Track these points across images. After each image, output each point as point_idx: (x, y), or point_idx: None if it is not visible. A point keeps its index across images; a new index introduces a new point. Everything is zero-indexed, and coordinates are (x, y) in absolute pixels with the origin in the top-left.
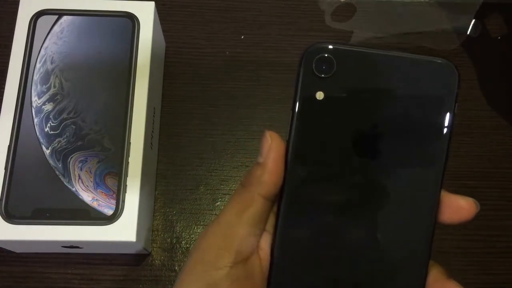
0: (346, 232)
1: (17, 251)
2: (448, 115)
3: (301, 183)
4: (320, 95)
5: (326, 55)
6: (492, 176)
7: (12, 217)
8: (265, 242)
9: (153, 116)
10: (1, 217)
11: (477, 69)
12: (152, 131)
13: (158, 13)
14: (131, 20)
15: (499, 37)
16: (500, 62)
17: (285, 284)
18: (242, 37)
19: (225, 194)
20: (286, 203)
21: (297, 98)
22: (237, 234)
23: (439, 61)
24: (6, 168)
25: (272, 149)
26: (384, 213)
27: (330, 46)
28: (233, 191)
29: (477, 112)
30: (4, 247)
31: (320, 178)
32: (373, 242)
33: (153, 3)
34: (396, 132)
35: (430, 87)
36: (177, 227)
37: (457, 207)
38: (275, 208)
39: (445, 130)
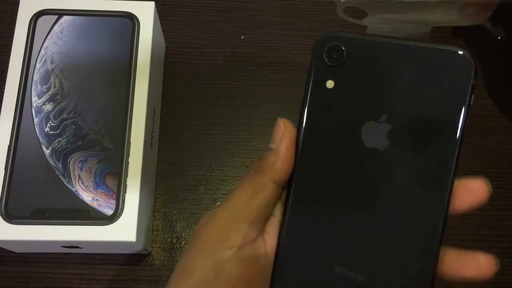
0: (355, 221)
1: (17, 251)
2: (462, 105)
3: (311, 171)
4: (330, 84)
5: (336, 43)
6: (492, 176)
7: (12, 217)
8: (271, 226)
9: (153, 116)
10: (1, 217)
11: (478, 68)
12: (152, 131)
13: (158, 13)
14: (131, 20)
15: (499, 37)
16: (500, 62)
17: (291, 271)
18: (242, 37)
19: (225, 194)
20: (295, 191)
21: (308, 87)
22: (247, 217)
23: (454, 49)
24: (6, 168)
25: (285, 136)
26: (394, 202)
27: (341, 35)
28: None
29: (477, 112)
30: (4, 247)
31: (330, 166)
32: (381, 232)
33: (153, 3)
34: (408, 121)
35: (444, 77)
36: (177, 227)
37: (467, 189)
38: (283, 196)
39: (459, 121)
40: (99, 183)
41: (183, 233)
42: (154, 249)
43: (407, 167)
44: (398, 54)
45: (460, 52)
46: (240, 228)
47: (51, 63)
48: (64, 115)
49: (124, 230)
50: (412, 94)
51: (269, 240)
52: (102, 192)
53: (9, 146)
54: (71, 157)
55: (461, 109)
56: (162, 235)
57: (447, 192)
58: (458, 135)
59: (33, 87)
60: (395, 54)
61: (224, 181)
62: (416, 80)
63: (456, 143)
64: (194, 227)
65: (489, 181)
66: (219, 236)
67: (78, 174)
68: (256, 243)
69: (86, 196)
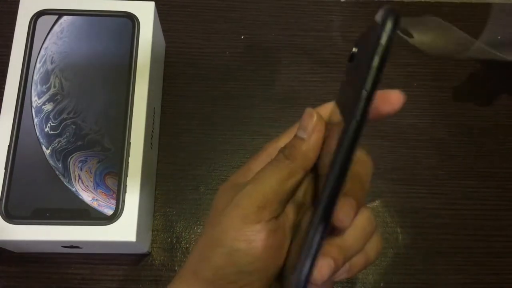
0: None
1: (17, 251)
2: None
3: None
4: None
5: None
6: (492, 176)
7: (12, 217)
8: (289, 207)
9: (153, 116)
10: (1, 217)
11: (477, 69)
12: (152, 131)
13: (158, 13)
14: (131, 20)
15: (499, 37)
16: (500, 62)
17: None
18: (242, 37)
19: None
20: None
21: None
22: (278, 198)
23: None
24: (6, 168)
25: (317, 128)
26: None
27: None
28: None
29: (477, 112)
30: (4, 247)
31: None
32: None
33: (153, 3)
34: None
35: None
36: (177, 227)
37: (385, 100)
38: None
39: None
40: (99, 183)
41: (183, 233)
42: (154, 249)
43: None
44: None
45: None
46: (271, 206)
47: (51, 63)
48: (64, 115)
49: (124, 230)
50: None
51: (290, 214)
52: (102, 192)
53: (9, 146)
54: (71, 157)
55: None
56: (162, 235)
57: None
58: None
59: (33, 87)
60: None
61: (224, 181)
62: None
63: None
64: (216, 195)
65: (489, 181)
66: (251, 211)
67: (78, 174)
68: (281, 217)
69: (86, 196)
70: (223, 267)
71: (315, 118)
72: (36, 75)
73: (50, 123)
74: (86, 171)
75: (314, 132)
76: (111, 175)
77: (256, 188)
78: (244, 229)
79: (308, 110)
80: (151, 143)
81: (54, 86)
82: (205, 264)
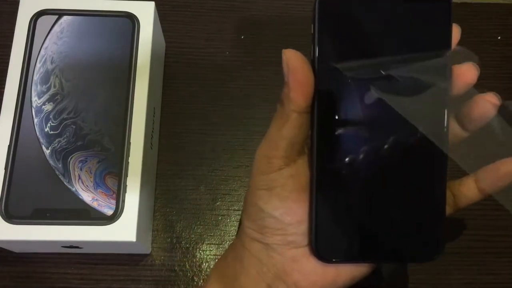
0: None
1: (17, 251)
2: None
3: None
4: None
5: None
6: None
7: (12, 217)
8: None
9: (153, 116)
10: (1, 217)
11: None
12: (152, 131)
13: (158, 13)
14: (131, 20)
15: (499, 37)
16: (500, 62)
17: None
18: (242, 37)
19: (225, 194)
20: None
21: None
22: (279, 145)
23: None
24: (6, 168)
25: (291, 69)
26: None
27: None
28: (233, 189)
29: None
30: (4, 247)
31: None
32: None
33: (153, 3)
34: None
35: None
36: (177, 227)
37: (458, 75)
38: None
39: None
40: (99, 183)
41: (183, 233)
42: (154, 249)
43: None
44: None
45: None
46: (277, 155)
47: (51, 63)
48: (64, 115)
49: (124, 230)
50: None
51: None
52: (102, 192)
53: (9, 146)
54: (71, 157)
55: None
56: (162, 235)
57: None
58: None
59: (33, 87)
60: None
61: (224, 181)
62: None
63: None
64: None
65: None
66: (263, 164)
67: (78, 174)
68: (298, 162)
69: (86, 196)
70: (255, 213)
71: (286, 61)
72: (36, 75)
73: (50, 123)
74: (86, 171)
75: (289, 74)
76: (111, 175)
77: (262, 144)
78: (262, 180)
79: (282, 53)
80: (151, 143)
81: (54, 86)
82: (244, 216)
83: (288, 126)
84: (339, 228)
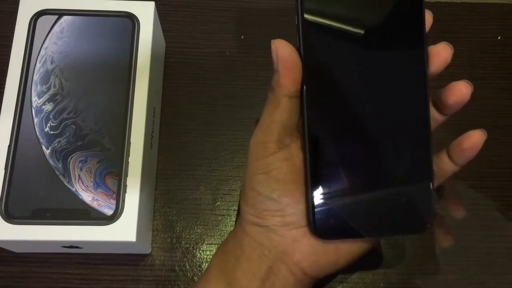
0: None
1: (17, 251)
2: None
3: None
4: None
5: None
6: (492, 176)
7: (12, 217)
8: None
9: (153, 116)
10: (1, 217)
11: (477, 69)
12: (152, 131)
13: (158, 13)
14: (131, 20)
15: (499, 37)
16: (500, 62)
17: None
18: (242, 37)
19: (225, 194)
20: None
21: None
22: (272, 129)
23: None
24: (6, 168)
25: (279, 56)
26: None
27: None
28: (233, 189)
29: (477, 112)
30: (4, 247)
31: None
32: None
33: (153, 3)
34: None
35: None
36: (177, 227)
37: (433, 54)
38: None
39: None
40: (99, 183)
41: (183, 233)
42: (154, 249)
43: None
44: None
45: None
46: (271, 139)
47: (51, 63)
48: (64, 115)
49: (124, 230)
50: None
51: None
52: (102, 192)
53: (9, 146)
54: (71, 157)
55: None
56: (162, 235)
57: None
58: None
59: (33, 87)
60: None
61: (224, 181)
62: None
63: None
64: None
65: (489, 181)
66: (259, 150)
67: (78, 174)
68: (292, 146)
69: (86, 196)
70: (253, 197)
71: (274, 49)
72: (36, 75)
73: (50, 123)
74: (86, 171)
75: (278, 61)
76: (111, 175)
77: (256, 130)
78: (259, 165)
79: (271, 43)
80: (151, 143)
81: (54, 86)
82: (243, 203)
83: (280, 111)
84: (335, 204)
